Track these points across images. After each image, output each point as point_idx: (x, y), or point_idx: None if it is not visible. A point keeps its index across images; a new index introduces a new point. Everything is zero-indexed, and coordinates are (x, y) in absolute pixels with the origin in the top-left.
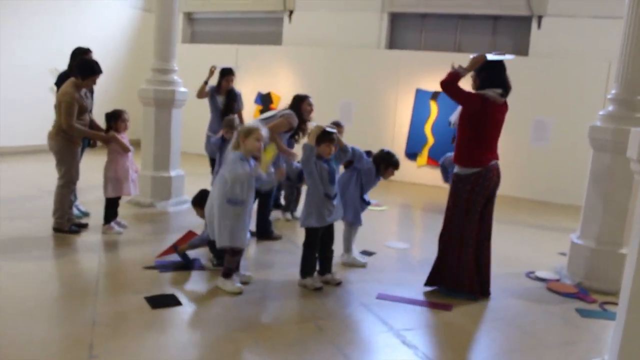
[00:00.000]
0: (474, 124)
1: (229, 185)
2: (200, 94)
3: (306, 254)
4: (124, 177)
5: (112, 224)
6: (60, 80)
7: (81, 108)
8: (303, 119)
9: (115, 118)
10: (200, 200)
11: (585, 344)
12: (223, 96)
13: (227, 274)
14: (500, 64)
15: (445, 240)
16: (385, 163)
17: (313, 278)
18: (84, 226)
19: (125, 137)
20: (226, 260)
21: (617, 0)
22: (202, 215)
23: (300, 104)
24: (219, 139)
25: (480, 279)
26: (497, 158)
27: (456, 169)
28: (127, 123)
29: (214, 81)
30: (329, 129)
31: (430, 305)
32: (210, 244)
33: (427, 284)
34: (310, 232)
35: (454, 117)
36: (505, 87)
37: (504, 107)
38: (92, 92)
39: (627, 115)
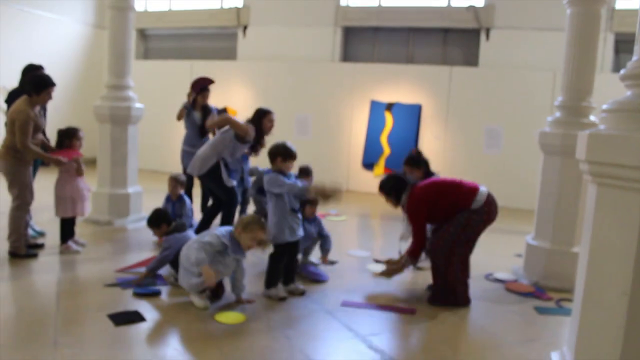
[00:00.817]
0: (437, 210)
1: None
2: (180, 117)
3: (274, 266)
4: (77, 196)
5: (70, 242)
6: (11, 98)
7: (35, 126)
8: (262, 134)
9: (69, 136)
10: (155, 221)
11: (545, 339)
12: (199, 112)
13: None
14: (394, 177)
15: (448, 257)
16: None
17: (277, 288)
18: (40, 247)
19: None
20: None
21: (559, 13)
22: (159, 235)
23: (261, 118)
24: (166, 199)
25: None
26: (476, 187)
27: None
28: (82, 141)
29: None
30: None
31: (394, 310)
32: (173, 260)
33: (436, 302)
34: (280, 246)
35: (405, 231)
36: (408, 183)
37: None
38: (44, 110)
39: (574, 121)
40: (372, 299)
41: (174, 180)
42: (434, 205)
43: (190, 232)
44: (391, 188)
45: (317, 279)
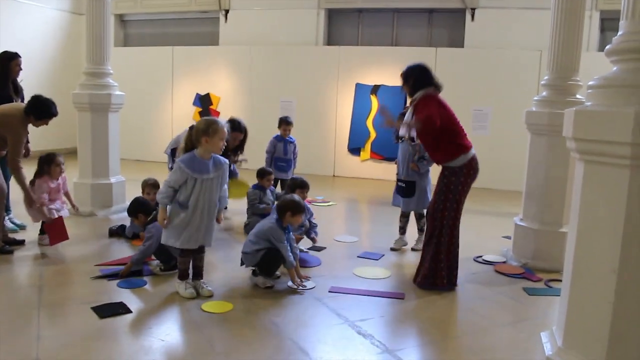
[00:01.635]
0: (441, 122)
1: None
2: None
3: (271, 256)
4: (48, 204)
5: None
6: None
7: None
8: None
9: (48, 162)
10: (134, 210)
11: (534, 319)
12: None
13: (181, 276)
14: (422, 68)
15: (440, 238)
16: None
17: (264, 277)
18: (20, 243)
19: (61, 182)
20: (178, 262)
21: None
22: (140, 224)
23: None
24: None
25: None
26: (471, 144)
27: (447, 164)
28: (62, 167)
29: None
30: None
31: (383, 295)
32: (158, 250)
33: (423, 286)
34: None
35: (405, 130)
36: (437, 86)
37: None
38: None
39: (560, 100)
40: (360, 284)
41: (150, 187)
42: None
43: None
44: (411, 76)
45: (308, 266)
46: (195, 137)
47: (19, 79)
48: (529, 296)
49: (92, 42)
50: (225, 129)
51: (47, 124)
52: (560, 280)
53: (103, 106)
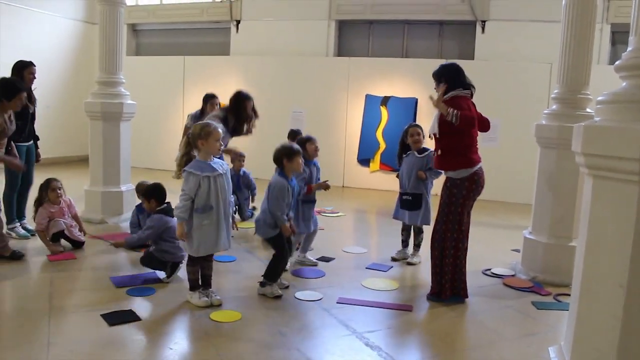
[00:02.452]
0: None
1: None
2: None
3: (277, 263)
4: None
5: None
6: None
7: (2, 132)
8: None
9: (45, 189)
10: (151, 192)
11: (543, 334)
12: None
13: (193, 287)
14: (455, 67)
15: (444, 250)
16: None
17: (272, 286)
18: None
19: (64, 205)
20: (187, 272)
21: (554, 5)
22: (149, 209)
23: (242, 103)
24: (138, 208)
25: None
26: (480, 159)
27: (449, 174)
28: (59, 191)
29: (198, 106)
30: None
31: (390, 307)
32: (147, 259)
33: (429, 298)
34: (280, 241)
35: (434, 127)
36: (471, 88)
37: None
38: (26, 115)
39: (570, 113)
40: (368, 295)
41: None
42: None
43: (174, 220)
44: (443, 75)
45: (314, 277)
46: (192, 143)
47: (32, 87)
48: (537, 310)
49: (105, 51)
50: (220, 130)
51: (23, 102)
52: (569, 295)
53: (115, 115)
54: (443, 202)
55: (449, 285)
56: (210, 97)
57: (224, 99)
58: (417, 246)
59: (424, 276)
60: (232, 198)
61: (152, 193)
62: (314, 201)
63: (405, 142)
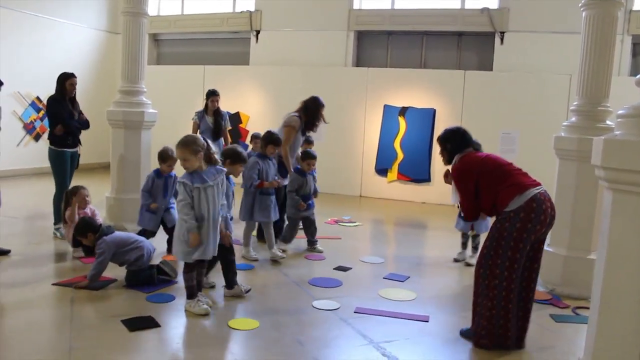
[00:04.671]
0: (485, 181)
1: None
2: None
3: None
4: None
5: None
6: (49, 104)
7: None
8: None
9: (72, 194)
10: (83, 231)
11: (561, 347)
12: (211, 117)
13: (191, 295)
14: (460, 132)
15: (490, 291)
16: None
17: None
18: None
19: (89, 212)
20: (184, 279)
21: (574, 16)
22: (90, 244)
23: (318, 108)
24: (154, 173)
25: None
26: (536, 182)
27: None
28: (87, 198)
29: (199, 104)
30: None
31: (408, 317)
32: (132, 275)
33: (481, 346)
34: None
35: (455, 198)
36: (475, 146)
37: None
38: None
39: (590, 125)
40: (385, 305)
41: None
42: (478, 182)
43: (118, 232)
44: (448, 141)
45: (331, 286)
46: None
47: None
48: (556, 323)
49: (128, 60)
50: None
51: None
52: (588, 308)
53: (136, 123)
54: (492, 235)
55: (485, 332)
56: (211, 94)
57: (244, 108)
58: (474, 248)
59: (441, 287)
60: (230, 200)
61: (83, 230)
62: (271, 193)
63: None
